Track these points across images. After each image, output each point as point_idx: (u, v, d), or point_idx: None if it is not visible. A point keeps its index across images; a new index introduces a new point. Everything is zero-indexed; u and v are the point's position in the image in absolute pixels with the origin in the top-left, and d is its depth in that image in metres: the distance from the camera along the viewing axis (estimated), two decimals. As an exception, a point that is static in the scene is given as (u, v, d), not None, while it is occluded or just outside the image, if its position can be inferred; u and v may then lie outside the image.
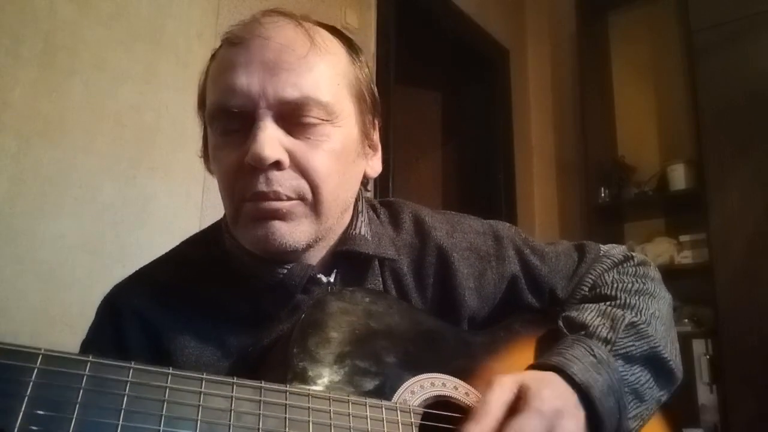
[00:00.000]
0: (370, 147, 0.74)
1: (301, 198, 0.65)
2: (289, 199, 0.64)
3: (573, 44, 3.25)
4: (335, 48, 0.69)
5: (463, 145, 3.24)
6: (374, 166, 0.76)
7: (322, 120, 0.65)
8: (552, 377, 0.62)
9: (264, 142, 0.61)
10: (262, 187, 0.63)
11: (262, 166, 0.62)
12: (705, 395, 2.44)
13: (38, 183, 1.34)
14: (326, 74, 0.66)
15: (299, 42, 0.65)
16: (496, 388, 0.58)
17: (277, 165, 0.63)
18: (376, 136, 0.75)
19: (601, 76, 3.22)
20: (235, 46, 0.66)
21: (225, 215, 0.72)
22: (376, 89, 0.75)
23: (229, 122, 0.66)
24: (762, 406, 2.20)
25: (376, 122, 0.75)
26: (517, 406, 0.57)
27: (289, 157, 0.64)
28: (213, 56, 0.70)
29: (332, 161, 0.66)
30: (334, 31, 0.72)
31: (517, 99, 3.32)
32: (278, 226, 0.64)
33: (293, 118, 0.64)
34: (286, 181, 0.63)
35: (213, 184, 0.71)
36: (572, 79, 3.28)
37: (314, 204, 0.65)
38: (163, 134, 1.58)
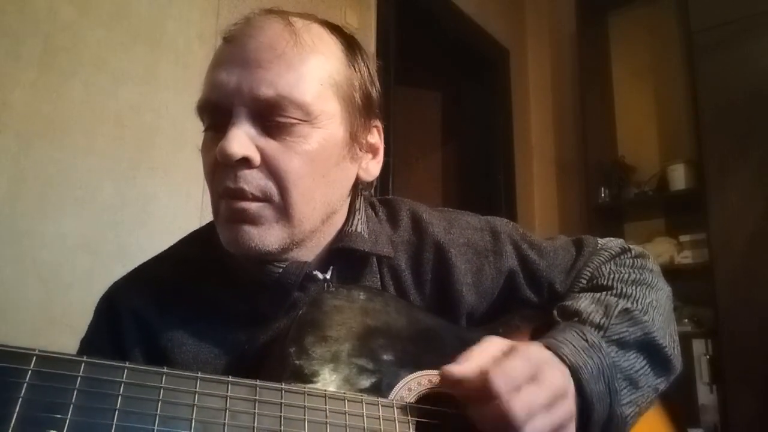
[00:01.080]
0: (362, 150, 0.72)
1: (268, 199, 0.64)
2: (255, 198, 0.63)
3: (573, 44, 3.25)
4: (326, 47, 0.68)
5: (463, 145, 3.23)
6: (370, 169, 0.74)
7: (299, 120, 0.63)
8: (542, 349, 0.61)
9: (232, 139, 0.61)
10: (230, 183, 0.63)
11: (229, 162, 0.62)
12: (705, 395, 2.44)
13: (38, 183, 1.34)
14: (308, 74, 0.64)
15: (282, 40, 0.64)
16: (485, 342, 0.58)
17: (246, 163, 0.62)
18: (373, 139, 0.74)
19: (601, 76, 3.22)
20: (227, 43, 0.66)
21: None
22: (375, 91, 0.73)
23: (212, 118, 0.66)
24: (762, 406, 2.20)
25: (373, 124, 0.74)
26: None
27: (261, 156, 0.63)
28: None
29: (306, 164, 0.64)
30: (335, 30, 0.71)
31: (517, 99, 3.32)
32: (247, 230, 0.63)
33: (269, 116, 0.63)
34: (253, 180, 0.63)
35: (213, 184, 0.71)
36: (572, 79, 3.28)
37: (283, 206, 0.64)
38: (163, 134, 1.58)
